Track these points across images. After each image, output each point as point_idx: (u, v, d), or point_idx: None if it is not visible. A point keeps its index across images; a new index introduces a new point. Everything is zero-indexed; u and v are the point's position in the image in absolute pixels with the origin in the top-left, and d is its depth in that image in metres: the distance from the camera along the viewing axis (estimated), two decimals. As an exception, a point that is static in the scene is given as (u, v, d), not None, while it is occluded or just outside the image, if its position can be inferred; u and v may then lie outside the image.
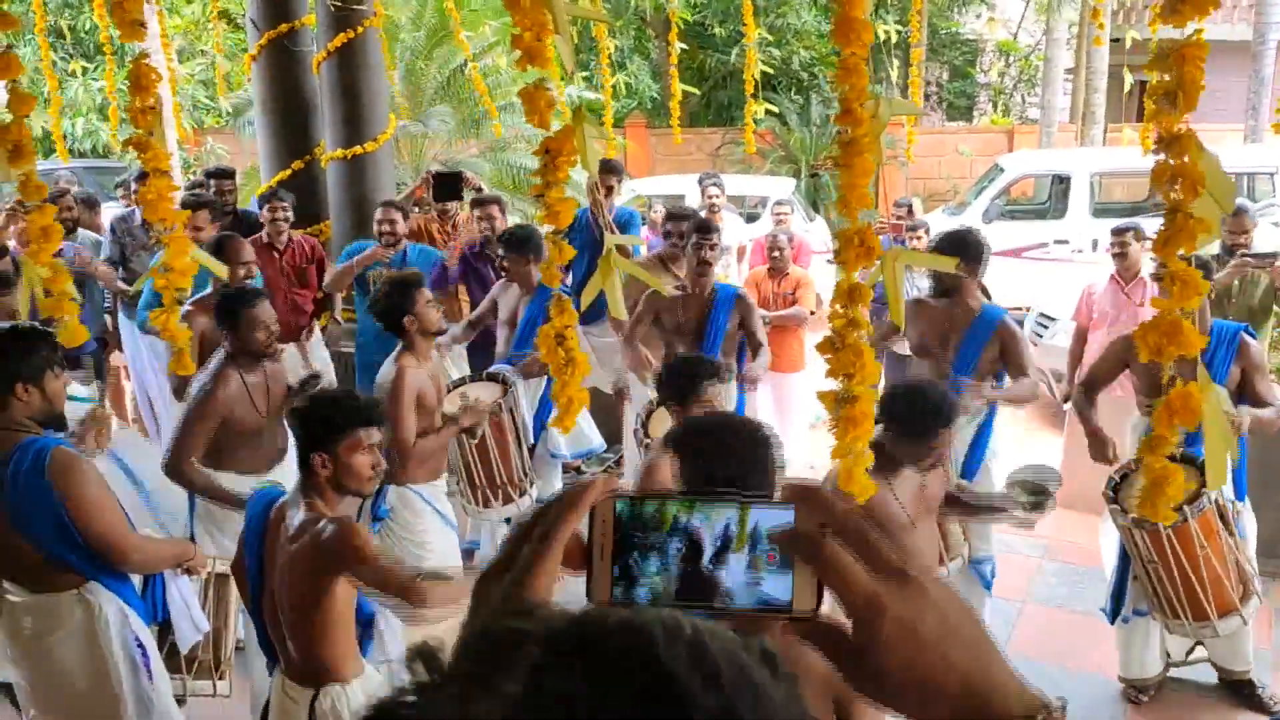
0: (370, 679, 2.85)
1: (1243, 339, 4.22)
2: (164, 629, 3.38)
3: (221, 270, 4.38)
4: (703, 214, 8.49)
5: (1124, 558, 4.14)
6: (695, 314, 5.29)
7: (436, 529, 4.35)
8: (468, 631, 0.67)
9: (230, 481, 3.94)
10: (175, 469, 3.87)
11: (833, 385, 2.02)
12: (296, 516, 2.73)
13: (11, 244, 5.49)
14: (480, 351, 5.88)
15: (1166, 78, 1.62)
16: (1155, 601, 3.93)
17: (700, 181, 9.71)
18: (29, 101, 2.46)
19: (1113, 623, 4.27)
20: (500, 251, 5.60)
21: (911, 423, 3.11)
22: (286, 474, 3.94)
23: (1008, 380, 4.72)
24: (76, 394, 5.05)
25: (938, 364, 4.57)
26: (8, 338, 3.03)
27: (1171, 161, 1.64)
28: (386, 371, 4.22)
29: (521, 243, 5.35)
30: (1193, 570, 3.76)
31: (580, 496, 0.75)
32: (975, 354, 4.51)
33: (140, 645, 3.15)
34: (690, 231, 5.44)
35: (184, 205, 5.63)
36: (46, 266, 2.70)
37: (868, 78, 1.58)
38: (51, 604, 3.07)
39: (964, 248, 4.52)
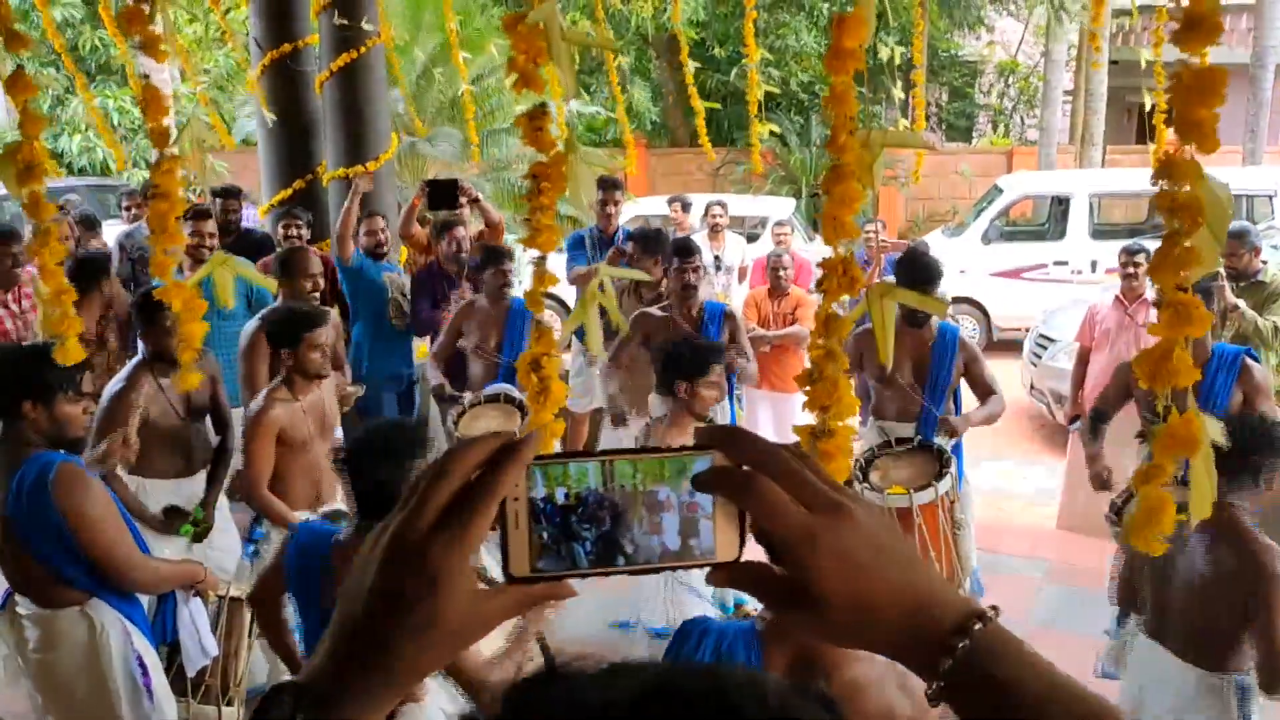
0: (438, 694, 2.80)
1: (1245, 362, 4.23)
2: (174, 650, 3.37)
3: (270, 284, 4.36)
4: (705, 233, 8.57)
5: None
6: (684, 333, 5.23)
7: None
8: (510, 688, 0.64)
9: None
10: (252, 494, 3.85)
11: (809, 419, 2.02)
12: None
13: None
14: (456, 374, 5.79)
15: (1169, 102, 1.63)
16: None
17: (669, 203, 9.81)
18: (40, 121, 2.48)
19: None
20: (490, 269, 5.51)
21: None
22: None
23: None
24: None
25: (906, 392, 4.59)
26: (19, 355, 3.04)
27: (1174, 188, 1.64)
28: (255, 403, 4.03)
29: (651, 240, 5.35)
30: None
31: (507, 464, 0.71)
32: (948, 378, 4.55)
33: (142, 664, 3.13)
34: (671, 255, 5.40)
35: (194, 214, 5.67)
36: (54, 284, 2.71)
37: (857, 106, 1.59)
38: (55, 619, 3.06)
39: (928, 272, 4.56)
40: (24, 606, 3.11)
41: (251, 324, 4.66)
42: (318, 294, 4.97)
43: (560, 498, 0.73)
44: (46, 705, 3.19)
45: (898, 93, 8.53)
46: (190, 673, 3.34)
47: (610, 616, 4.63)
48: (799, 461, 0.72)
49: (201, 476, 4.29)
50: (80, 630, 3.06)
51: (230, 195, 7.09)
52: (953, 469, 4.17)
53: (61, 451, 3.06)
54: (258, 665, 3.77)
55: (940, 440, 4.40)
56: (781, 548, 0.71)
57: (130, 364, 4.10)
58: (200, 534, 4.09)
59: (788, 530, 0.70)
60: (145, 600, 3.35)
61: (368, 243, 6.09)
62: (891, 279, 4.63)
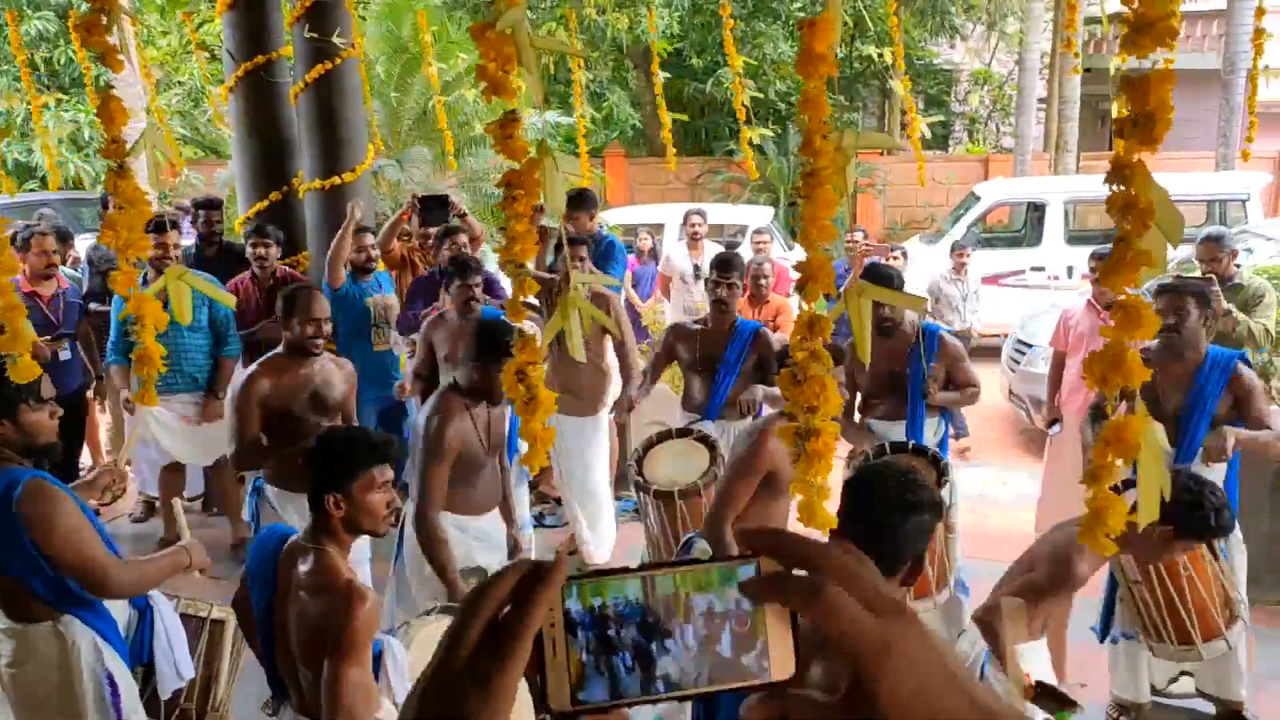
0: (389, 714, 2.79)
1: (1237, 366, 4.25)
2: (151, 671, 3.31)
3: (228, 300, 4.26)
4: (684, 243, 8.58)
5: (1113, 577, 4.16)
6: (711, 348, 5.27)
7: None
8: None
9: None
10: (422, 517, 3.79)
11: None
12: (307, 563, 2.67)
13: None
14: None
15: (1128, 109, 1.63)
16: (1140, 622, 3.94)
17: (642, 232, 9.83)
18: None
19: (1102, 641, 4.27)
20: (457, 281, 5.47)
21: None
22: None
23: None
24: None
25: (893, 400, 4.62)
26: None
27: (1125, 192, 1.65)
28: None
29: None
30: (1177, 594, 3.77)
31: (538, 594, 0.65)
32: (923, 376, 4.58)
33: (113, 683, 3.08)
34: (711, 268, 5.39)
35: (156, 227, 5.59)
36: (4, 299, 2.67)
37: (829, 110, 1.58)
38: (27, 634, 3.03)
39: (889, 278, 4.68)
40: (0, 621, 3.07)
41: (247, 373, 4.41)
42: (319, 340, 4.38)
43: (600, 617, 0.67)
44: (20, 718, 3.14)
45: (900, 89, 8.55)
46: (164, 695, 3.29)
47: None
48: (851, 559, 0.66)
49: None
50: (51, 646, 3.02)
51: (212, 206, 7.03)
52: (951, 477, 4.17)
53: (29, 466, 3.02)
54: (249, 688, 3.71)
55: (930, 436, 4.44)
56: (851, 658, 0.63)
57: (434, 398, 4.01)
58: None
59: (860, 639, 0.63)
60: (122, 619, 3.30)
61: (357, 259, 6.04)
62: None
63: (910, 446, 4.40)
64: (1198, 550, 3.86)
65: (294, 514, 4.13)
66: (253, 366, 4.35)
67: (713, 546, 3.75)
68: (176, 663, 3.29)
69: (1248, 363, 4.33)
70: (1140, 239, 1.63)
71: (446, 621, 3.25)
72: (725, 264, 5.34)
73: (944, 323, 7.78)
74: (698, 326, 5.37)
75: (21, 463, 3.00)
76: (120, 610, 3.30)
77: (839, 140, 1.57)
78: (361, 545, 4.36)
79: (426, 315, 5.75)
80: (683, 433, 4.84)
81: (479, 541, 4.08)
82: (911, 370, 4.64)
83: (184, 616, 3.38)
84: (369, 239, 6.10)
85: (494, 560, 4.07)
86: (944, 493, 4.08)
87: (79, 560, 2.94)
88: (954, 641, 4.51)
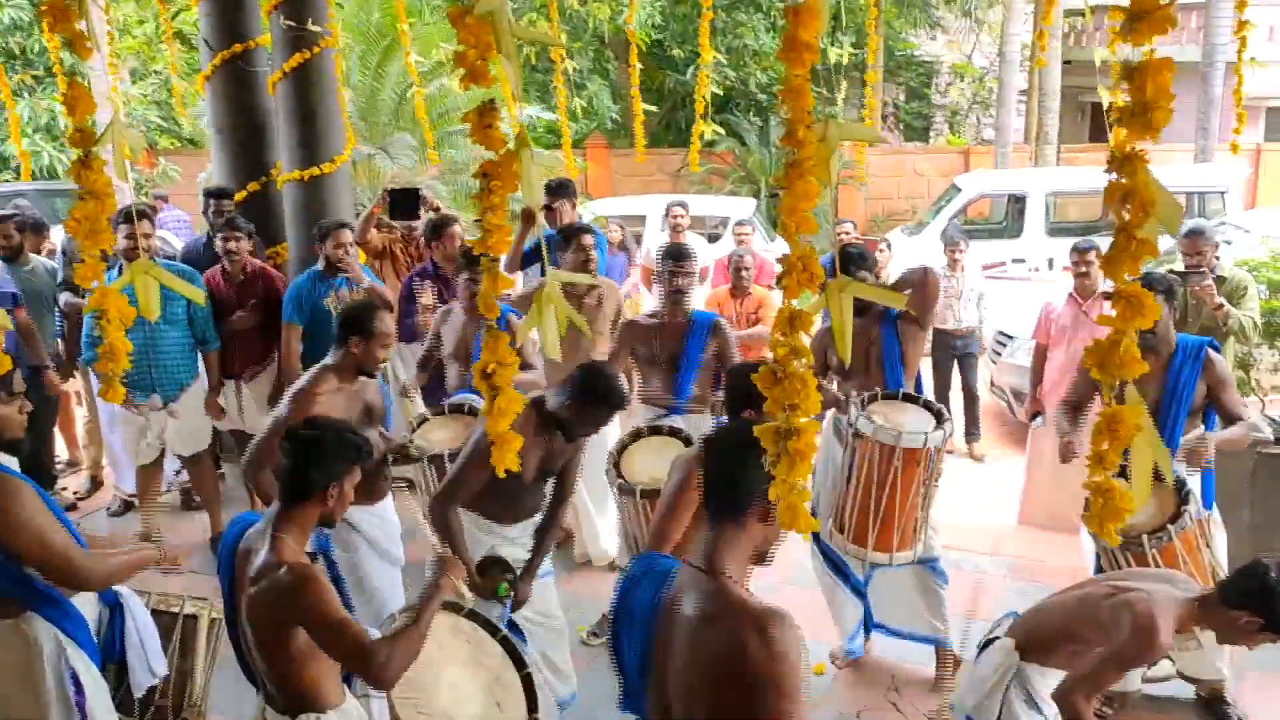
0: (349, 711, 2.78)
1: (1208, 354, 4.26)
2: (124, 669, 3.24)
3: (197, 296, 4.05)
4: (666, 235, 8.54)
5: (1099, 561, 4.17)
6: (670, 343, 5.19)
7: (373, 562, 4.25)
8: None
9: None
10: (436, 507, 3.73)
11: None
12: (261, 555, 2.64)
13: None
14: (433, 386, 5.72)
15: (1127, 98, 1.61)
16: None
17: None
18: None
19: None
20: (465, 274, 5.43)
21: None
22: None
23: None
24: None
25: (867, 382, 4.58)
26: None
27: (1124, 181, 1.63)
28: None
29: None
30: None
31: None
32: (900, 357, 4.56)
33: (77, 681, 3.03)
34: (663, 258, 5.30)
35: (125, 218, 5.48)
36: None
37: (813, 100, 1.55)
38: None
39: (863, 262, 4.65)
40: None
41: (303, 391, 4.11)
42: (385, 362, 4.30)
43: None
44: None
45: (842, 98, 8.51)
46: (138, 692, 3.23)
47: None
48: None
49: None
50: (14, 644, 2.98)
51: (224, 195, 6.91)
52: (947, 426, 4.17)
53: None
54: (230, 688, 3.65)
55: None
56: None
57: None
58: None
59: None
60: (92, 617, 3.24)
61: (335, 255, 5.91)
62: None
63: (901, 395, 4.37)
64: (1194, 542, 3.88)
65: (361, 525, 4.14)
66: (303, 384, 4.09)
67: (435, 530, 3.75)
68: (149, 660, 3.24)
69: (1216, 349, 4.34)
70: (1140, 229, 1.61)
71: (443, 616, 3.22)
72: (679, 254, 5.26)
73: (943, 322, 7.62)
74: (654, 321, 5.28)
75: None
76: (91, 607, 3.25)
77: (823, 131, 1.54)
78: (393, 533, 4.38)
79: (445, 310, 5.65)
80: (655, 430, 4.79)
81: (505, 545, 4.02)
82: (884, 350, 4.60)
83: (156, 613, 3.31)
84: (345, 235, 5.98)
85: (517, 554, 3.99)
86: (937, 437, 4.09)
87: (43, 553, 2.88)
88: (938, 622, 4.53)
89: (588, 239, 5.66)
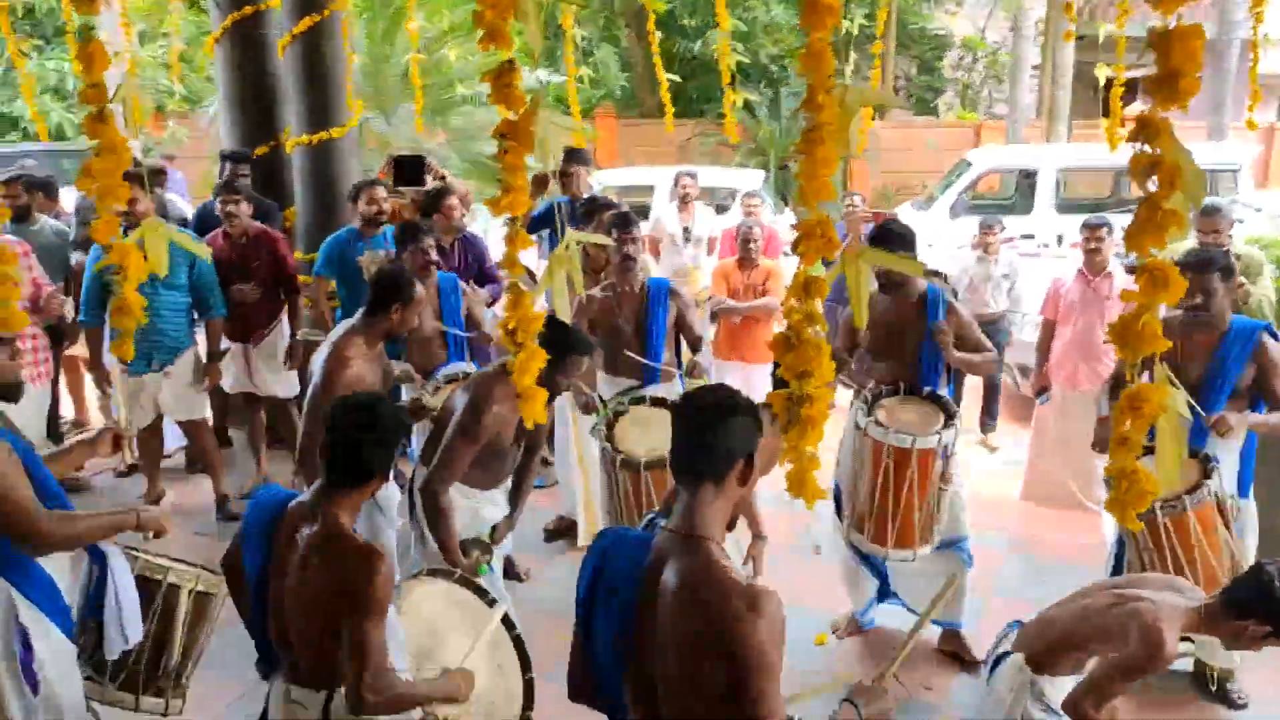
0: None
1: (1261, 338, 4.10)
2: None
3: (204, 251, 4.02)
4: (674, 205, 8.51)
5: (1120, 543, 4.15)
6: (632, 313, 5.17)
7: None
8: None
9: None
10: (433, 490, 3.70)
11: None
12: (315, 526, 2.61)
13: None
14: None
15: (1146, 70, 1.60)
16: None
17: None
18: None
19: None
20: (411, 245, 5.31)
21: None
22: None
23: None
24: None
25: (899, 362, 4.52)
26: None
27: (1150, 152, 1.61)
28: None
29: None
30: (1187, 563, 3.77)
31: None
32: (939, 351, 4.46)
33: (25, 640, 2.97)
34: (610, 226, 5.23)
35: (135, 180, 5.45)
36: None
37: (833, 65, 1.55)
38: None
39: (904, 240, 4.48)
40: None
41: (333, 357, 4.11)
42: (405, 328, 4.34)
43: None
44: None
45: (850, 70, 8.44)
46: (110, 655, 3.17)
47: None
48: None
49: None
50: None
51: (240, 159, 6.90)
52: (958, 424, 4.17)
53: None
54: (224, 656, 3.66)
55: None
56: None
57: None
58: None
59: None
60: (78, 572, 3.19)
61: (368, 211, 5.93)
62: None
63: (926, 392, 4.34)
64: (1212, 521, 3.86)
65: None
66: (332, 352, 4.08)
67: (427, 512, 3.72)
68: (123, 623, 3.16)
69: (1274, 335, 4.24)
70: (1166, 200, 1.60)
71: (438, 583, 3.25)
72: (624, 220, 5.22)
73: (976, 307, 7.40)
74: (607, 294, 5.23)
75: None
76: (79, 562, 3.19)
77: (841, 97, 1.53)
78: (390, 507, 4.38)
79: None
80: (637, 401, 4.79)
81: (488, 505, 4.06)
82: (923, 331, 4.52)
83: (141, 579, 3.23)
84: (380, 192, 5.99)
85: (497, 515, 4.06)
86: (948, 435, 4.08)
87: (3, 512, 2.83)
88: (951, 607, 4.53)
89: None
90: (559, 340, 3.67)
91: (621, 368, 5.25)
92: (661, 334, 5.15)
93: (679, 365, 5.33)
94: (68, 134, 13.74)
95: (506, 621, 3.24)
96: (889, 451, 4.06)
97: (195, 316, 6.02)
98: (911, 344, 4.49)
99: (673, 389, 5.10)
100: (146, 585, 3.25)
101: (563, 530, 5.92)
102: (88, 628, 3.19)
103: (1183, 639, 3.81)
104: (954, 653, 4.65)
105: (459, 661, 2.99)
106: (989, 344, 4.66)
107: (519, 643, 3.22)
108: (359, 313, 4.23)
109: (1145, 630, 2.90)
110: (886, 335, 4.54)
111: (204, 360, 6.02)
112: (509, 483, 4.17)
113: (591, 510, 5.67)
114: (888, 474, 4.07)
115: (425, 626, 2.84)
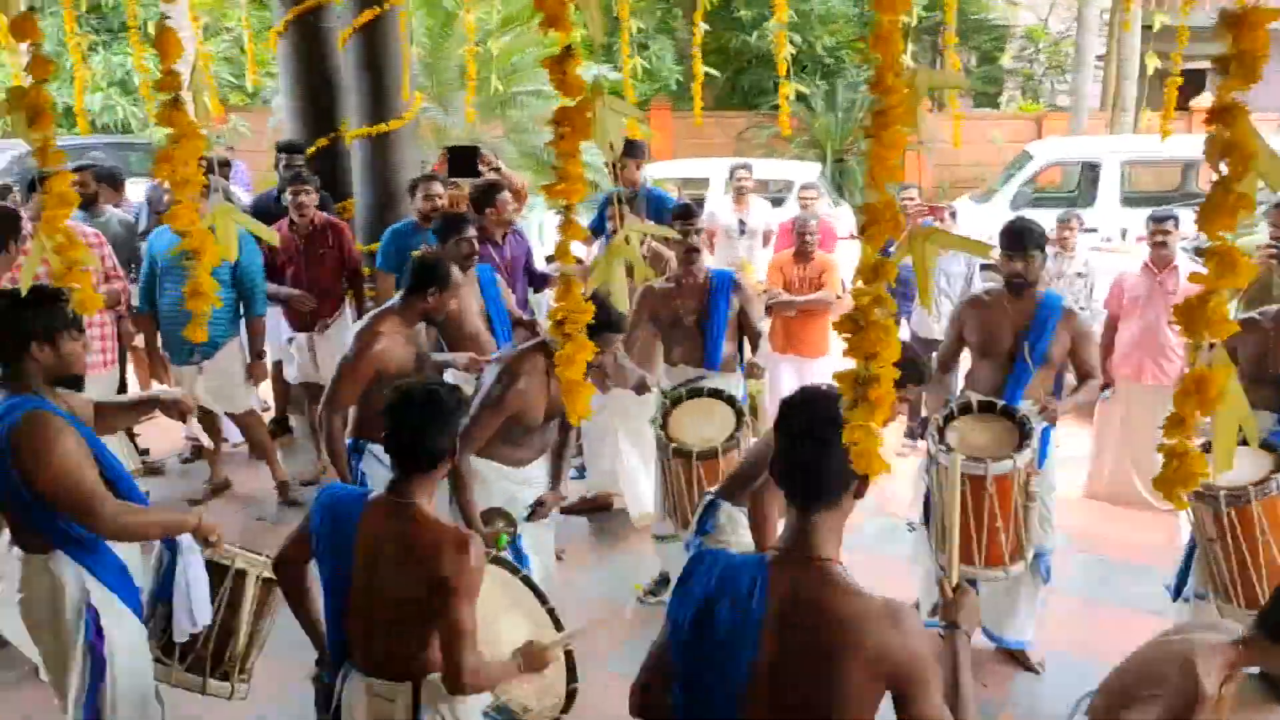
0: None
1: None
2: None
3: (272, 236, 4.04)
4: (729, 198, 8.47)
5: (1193, 543, 4.06)
6: (694, 304, 5.16)
7: None
8: None
9: None
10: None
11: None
12: (402, 521, 2.65)
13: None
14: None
15: (1228, 48, 1.55)
16: (1212, 583, 3.87)
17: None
18: (47, 66, 2.44)
19: (1175, 600, 4.18)
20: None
21: None
22: None
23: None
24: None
25: (1001, 365, 4.42)
26: (23, 298, 2.98)
27: (1224, 135, 1.57)
28: None
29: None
30: (1250, 553, 3.69)
31: None
32: (1046, 345, 4.37)
33: (97, 625, 3.06)
34: (673, 218, 5.24)
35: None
36: (61, 234, 2.67)
37: (903, 46, 1.52)
38: (28, 564, 3.06)
39: (1035, 238, 4.38)
40: (14, 547, 3.13)
41: (368, 331, 4.25)
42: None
43: None
44: (33, 639, 3.21)
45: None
46: (179, 638, 3.25)
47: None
48: None
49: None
50: (44, 581, 3.04)
51: (294, 150, 7.01)
52: (1034, 442, 4.04)
53: (43, 395, 3.01)
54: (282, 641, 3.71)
55: (1026, 408, 4.26)
56: None
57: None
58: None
59: None
60: (149, 555, 3.28)
61: (424, 207, 5.99)
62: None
63: (999, 408, 4.22)
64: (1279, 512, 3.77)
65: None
66: (366, 325, 4.24)
67: (449, 480, 3.72)
68: (192, 607, 3.22)
69: None
70: (1239, 183, 1.56)
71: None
72: (686, 212, 5.22)
73: None
74: (670, 285, 5.23)
75: (37, 391, 3.00)
76: (150, 545, 3.29)
77: (910, 79, 1.51)
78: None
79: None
80: (695, 392, 4.77)
81: (523, 485, 4.11)
82: (1030, 336, 4.38)
83: (211, 564, 3.30)
84: (437, 187, 6.05)
85: (531, 495, 4.13)
86: (1022, 457, 3.95)
87: (68, 495, 2.91)
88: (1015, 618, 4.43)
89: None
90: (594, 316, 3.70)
91: (681, 358, 5.25)
92: (723, 325, 5.12)
93: (740, 359, 5.32)
94: (132, 128, 14.03)
95: (538, 594, 3.29)
96: (964, 480, 3.94)
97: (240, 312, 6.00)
98: (1012, 350, 4.40)
99: (732, 381, 5.08)
100: (215, 570, 3.31)
101: (595, 505, 5.95)
102: (156, 611, 3.26)
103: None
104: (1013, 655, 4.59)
105: (526, 637, 3.05)
106: (1097, 361, 4.54)
107: (553, 615, 3.29)
108: (398, 294, 4.34)
109: (1180, 671, 2.77)
110: (993, 335, 4.47)
111: (247, 357, 6.01)
112: (546, 461, 4.23)
113: (635, 487, 5.75)
114: (965, 500, 3.95)
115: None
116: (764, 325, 7.00)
